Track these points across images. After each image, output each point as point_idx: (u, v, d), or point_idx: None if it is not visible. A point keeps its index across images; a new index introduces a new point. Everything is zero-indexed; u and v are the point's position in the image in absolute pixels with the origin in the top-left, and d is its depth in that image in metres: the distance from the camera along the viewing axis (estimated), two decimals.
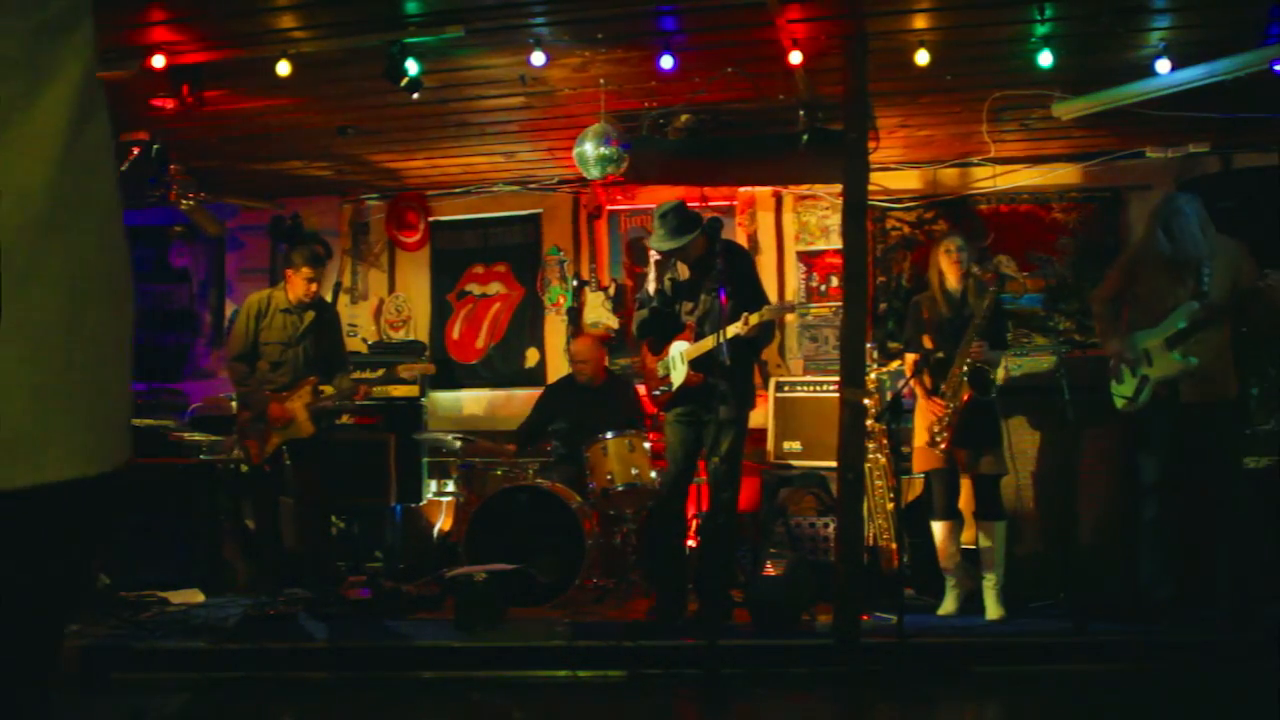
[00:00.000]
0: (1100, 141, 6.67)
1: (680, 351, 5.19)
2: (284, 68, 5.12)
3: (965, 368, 5.09)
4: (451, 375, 7.78)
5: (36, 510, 0.96)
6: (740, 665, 4.56)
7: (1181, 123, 5.97)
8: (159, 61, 5.15)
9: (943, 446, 5.18)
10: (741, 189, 7.39)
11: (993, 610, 5.14)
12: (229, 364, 5.93)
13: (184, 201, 7.03)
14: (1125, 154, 6.82)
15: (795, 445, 6.41)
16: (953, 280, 5.30)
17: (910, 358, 5.43)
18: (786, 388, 6.58)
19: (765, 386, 6.65)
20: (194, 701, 4.52)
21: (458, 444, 6.63)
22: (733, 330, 4.79)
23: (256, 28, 5.09)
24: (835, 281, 7.23)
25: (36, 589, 1.00)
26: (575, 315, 7.53)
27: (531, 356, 7.73)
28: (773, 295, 7.19)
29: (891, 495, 5.79)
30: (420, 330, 7.86)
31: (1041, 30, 4.87)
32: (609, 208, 7.61)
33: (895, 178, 7.24)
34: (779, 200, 7.44)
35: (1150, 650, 4.62)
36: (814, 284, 7.38)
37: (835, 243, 7.15)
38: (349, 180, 7.64)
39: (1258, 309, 4.83)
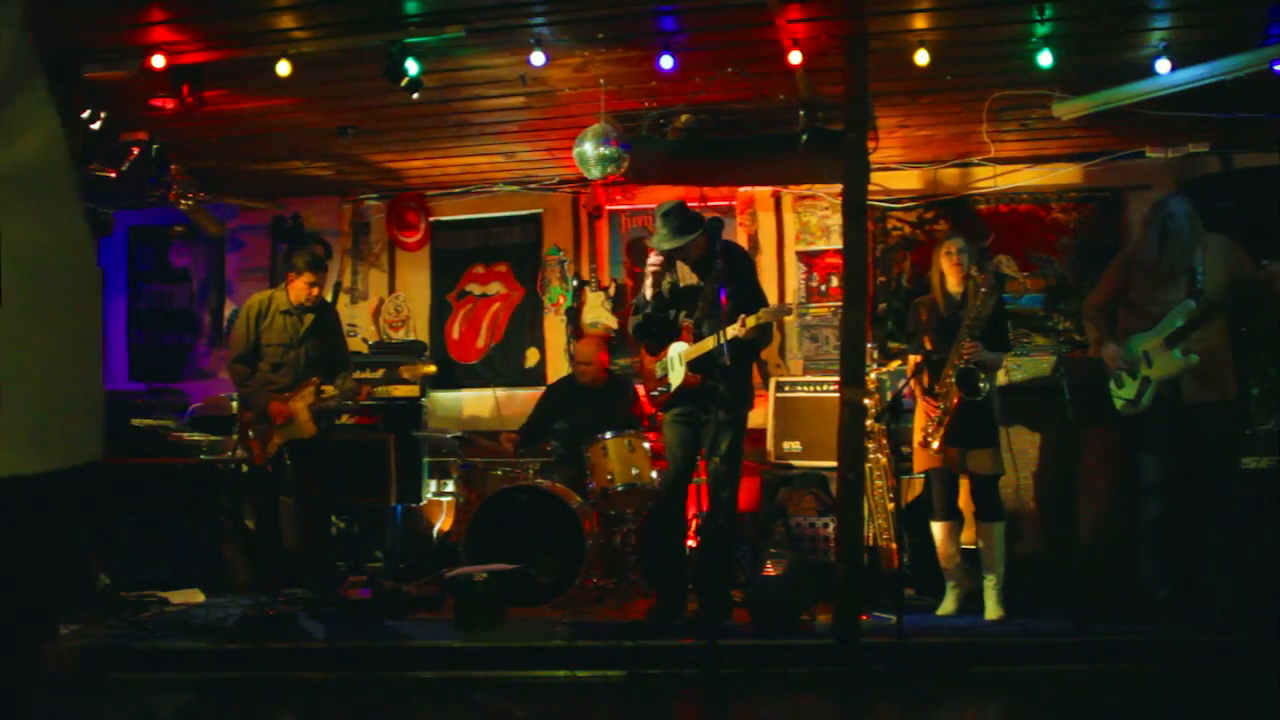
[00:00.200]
0: (1100, 141, 6.67)
1: (679, 352, 5.20)
2: (284, 68, 5.12)
3: (955, 368, 5.10)
4: (451, 375, 7.78)
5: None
6: (740, 665, 4.56)
7: (1181, 123, 5.97)
8: (159, 61, 5.15)
9: (934, 445, 5.19)
10: (741, 189, 7.39)
11: (992, 610, 5.14)
12: (230, 365, 5.93)
13: (184, 201, 7.03)
14: (1125, 154, 6.82)
15: (795, 445, 6.41)
16: (953, 282, 5.30)
17: (913, 359, 5.43)
18: (786, 388, 6.58)
19: (765, 386, 6.65)
20: (196, 702, 4.52)
21: (458, 444, 6.63)
22: (731, 332, 4.79)
23: (256, 28, 5.09)
24: (835, 281, 7.23)
25: (3, 585, 0.98)
26: (574, 315, 7.53)
27: (531, 356, 7.73)
28: (773, 295, 7.21)
29: (891, 495, 5.79)
30: (420, 330, 7.86)
31: (1041, 30, 4.87)
32: (609, 208, 7.61)
33: (895, 178, 7.24)
34: (779, 200, 7.44)
35: (1150, 650, 4.61)
36: (814, 284, 7.38)
37: (835, 243, 7.16)
38: (349, 180, 7.64)
39: (1260, 300, 4.82)
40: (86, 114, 5.42)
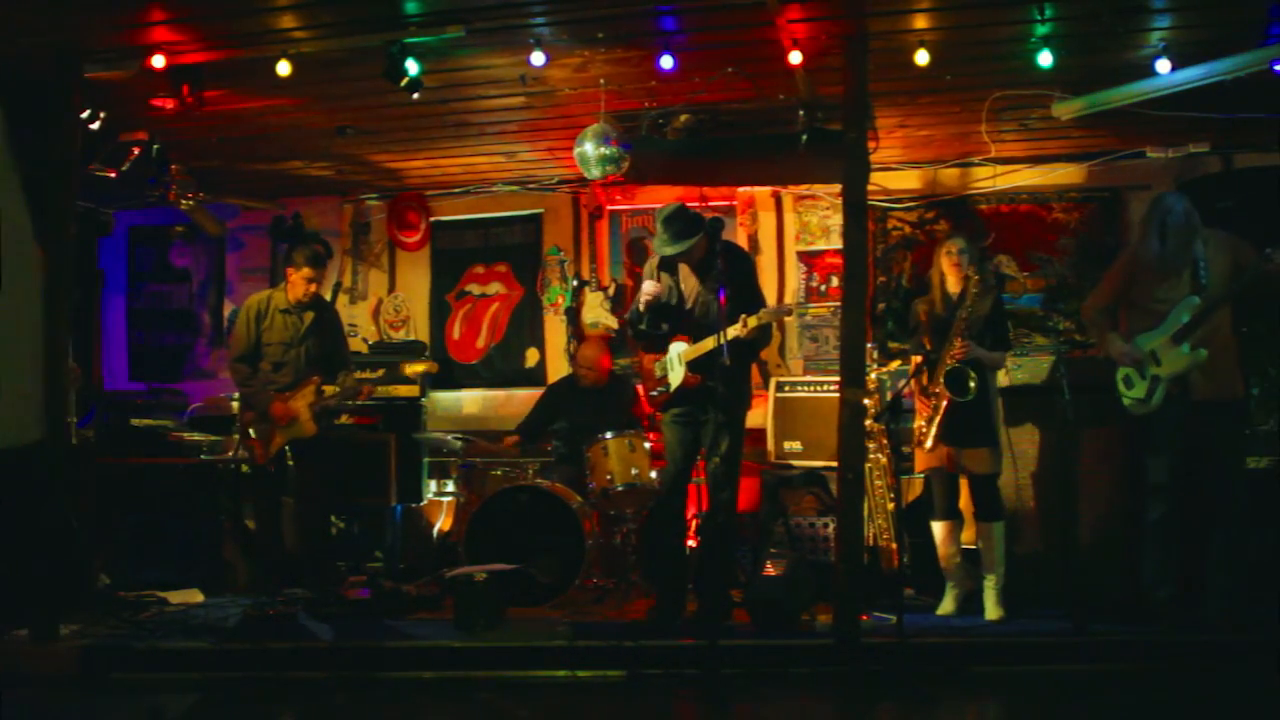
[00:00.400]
0: (1100, 141, 6.67)
1: (678, 353, 5.20)
2: (284, 68, 5.12)
3: (946, 368, 5.11)
4: (451, 375, 7.78)
5: None
6: (740, 665, 4.57)
7: (1181, 123, 5.96)
8: (159, 61, 5.15)
9: (927, 445, 5.20)
10: (741, 189, 7.40)
11: (992, 610, 5.15)
12: (231, 365, 5.94)
13: (184, 201, 7.04)
14: (1125, 154, 6.82)
15: (795, 445, 6.41)
16: (952, 281, 5.31)
17: (915, 359, 5.44)
18: (786, 388, 6.58)
19: (765, 386, 6.65)
20: (196, 702, 4.51)
21: (458, 444, 6.63)
22: (732, 332, 4.79)
23: (256, 28, 5.09)
24: (835, 281, 7.23)
25: None
26: (574, 315, 7.53)
27: (531, 356, 7.74)
28: (772, 295, 7.21)
29: (891, 495, 5.80)
30: (420, 330, 7.86)
31: (1041, 30, 4.86)
32: (609, 208, 7.61)
33: (895, 178, 7.24)
34: (779, 200, 7.44)
35: (1150, 650, 4.62)
36: (814, 284, 7.38)
37: (836, 243, 7.16)
38: (349, 180, 7.64)
39: (1266, 289, 4.81)
40: (86, 114, 5.42)
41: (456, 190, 7.79)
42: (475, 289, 7.87)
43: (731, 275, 4.89)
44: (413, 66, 5.10)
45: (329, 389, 5.79)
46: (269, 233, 7.99)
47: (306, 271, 5.79)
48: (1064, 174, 6.98)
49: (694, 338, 5.15)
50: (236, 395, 6.40)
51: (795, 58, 5.07)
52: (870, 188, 5.24)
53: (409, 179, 7.63)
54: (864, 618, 4.93)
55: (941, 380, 5.13)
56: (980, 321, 5.21)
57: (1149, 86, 5.35)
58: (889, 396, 5.70)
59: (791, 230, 7.43)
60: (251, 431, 5.80)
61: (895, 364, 6.11)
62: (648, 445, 6.01)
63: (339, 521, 6.65)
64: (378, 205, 7.96)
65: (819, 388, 6.48)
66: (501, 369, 7.77)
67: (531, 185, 7.68)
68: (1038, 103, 5.86)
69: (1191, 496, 4.95)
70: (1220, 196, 5.73)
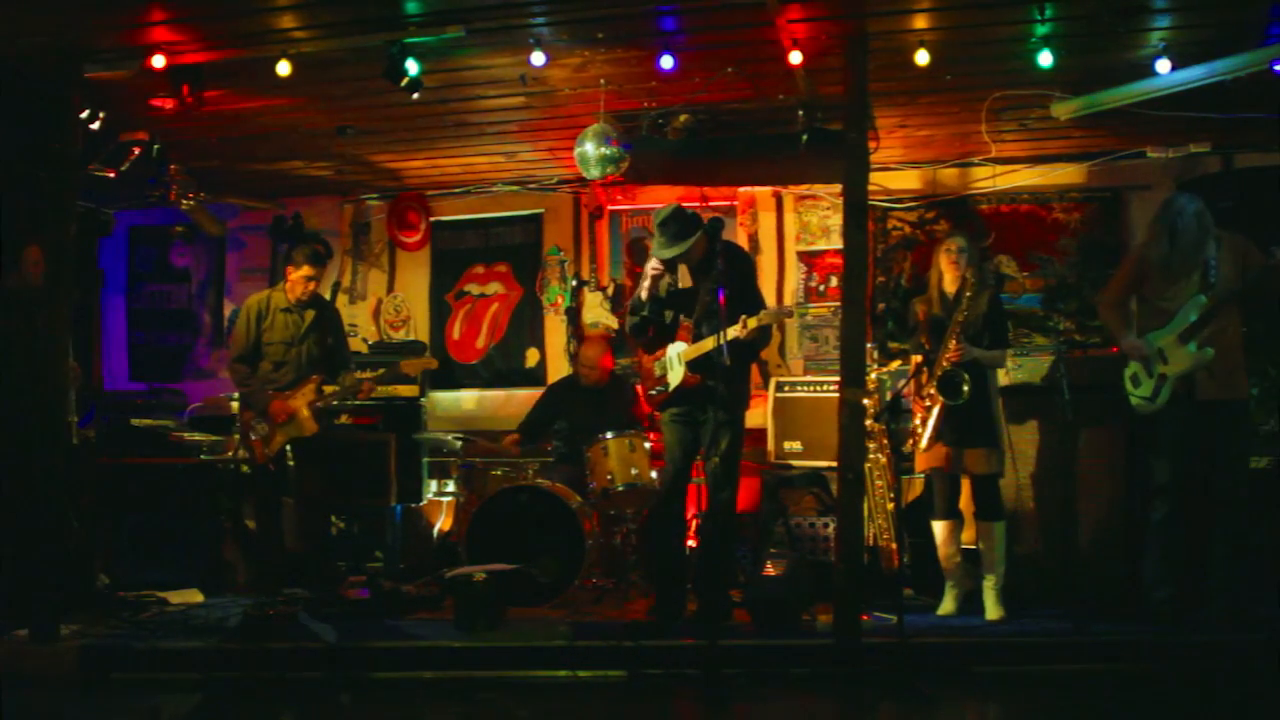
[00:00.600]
0: (1100, 141, 6.67)
1: (678, 352, 5.20)
2: (284, 68, 5.12)
3: (940, 370, 5.11)
4: (451, 375, 7.78)
5: None
6: (740, 665, 4.57)
7: (1181, 123, 5.96)
8: (159, 61, 5.15)
9: (921, 446, 5.20)
10: (742, 189, 7.40)
11: (993, 610, 5.15)
12: (230, 365, 5.94)
13: (184, 201, 7.04)
14: (1125, 154, 6.82)
15: (795, 445, 6.41)
16: (949, 280, 5.32)
17: (915, 359, 5.44)
18: (786, 388, 6.58)
19: (765, 386, 6.65)
20: (196, 702, 4.52)
21: (458, 444, 6.63)
22: (732, 333, 4.79)
23: (256, 28, 5.09)
24: (835, 281, 7.23)
25: None
26: (574, 315, 7.53)
27: (532, 356, 7.73)
28: (772, 295, 7.22)
29: (891, 495, 5.80)
30: (420, 330, 7.86)
31: (1041, 30, 4.86)
32: (610, 208, 7.61)
33: (895, 178, 7.24)
34: (780, 200, 7.44)
35: (1150, 650, 4.62)
36: (813, 284, 7.38)
37: (836, 243, 7.15)
38: (350, 180, 7.64)
39: (1271, 288, 4.82)
40: (86, 114, 5.42)
41: (457, 190, 7.79)
42: (475, 289, 7.87)
43: (731, 275, 4.89)
44: (413, 66, 5.10)
45: (329, 388, 5.79)
46: (269, 233, 7.99)
47: (306, 270, 5.80)
48: (1064, 174, 6.98)
49: (693, 337, 5.15)
50: (236, 395, 6.40)
51: (795, 58, 5.07)
52: (870, 188, 5.24)
53: (409, 179, 7.63)
54: (864, 618, 4.93)
55: (933, 384, 5.14)
56: (978, 321, 5.21)
57: (1149, 86, 5.35)
58: (889, 396, 5.70)
59: (791, 230, 7.43)
60: (251, 431, 5.80)
61: (895, 364, 6.11)
62: (648, 445, 6.01)
63: (339, 521, 6.65)
64: (378, 205, 7.96)
65: (819, 388, 6.48)
66: (501, 369, 7.77)
67: (532, 185, 7.68)
68: (1038, 103, 5.85)
69: (1194, 497, 4.95)
70: (1220, 196, 5.72)
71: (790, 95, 5.75)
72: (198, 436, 6.68)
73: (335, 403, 5.98)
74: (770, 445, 6.48)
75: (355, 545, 6.64)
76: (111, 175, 6.28)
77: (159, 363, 8.21)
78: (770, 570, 5.13)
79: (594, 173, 5.96)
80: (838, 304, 6.67)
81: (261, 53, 5.16)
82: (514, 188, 7.71)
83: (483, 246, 7.86)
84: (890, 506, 5.82)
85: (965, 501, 5.35)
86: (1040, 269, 7.01)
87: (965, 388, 5.05)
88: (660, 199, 6.95)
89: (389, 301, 7.93)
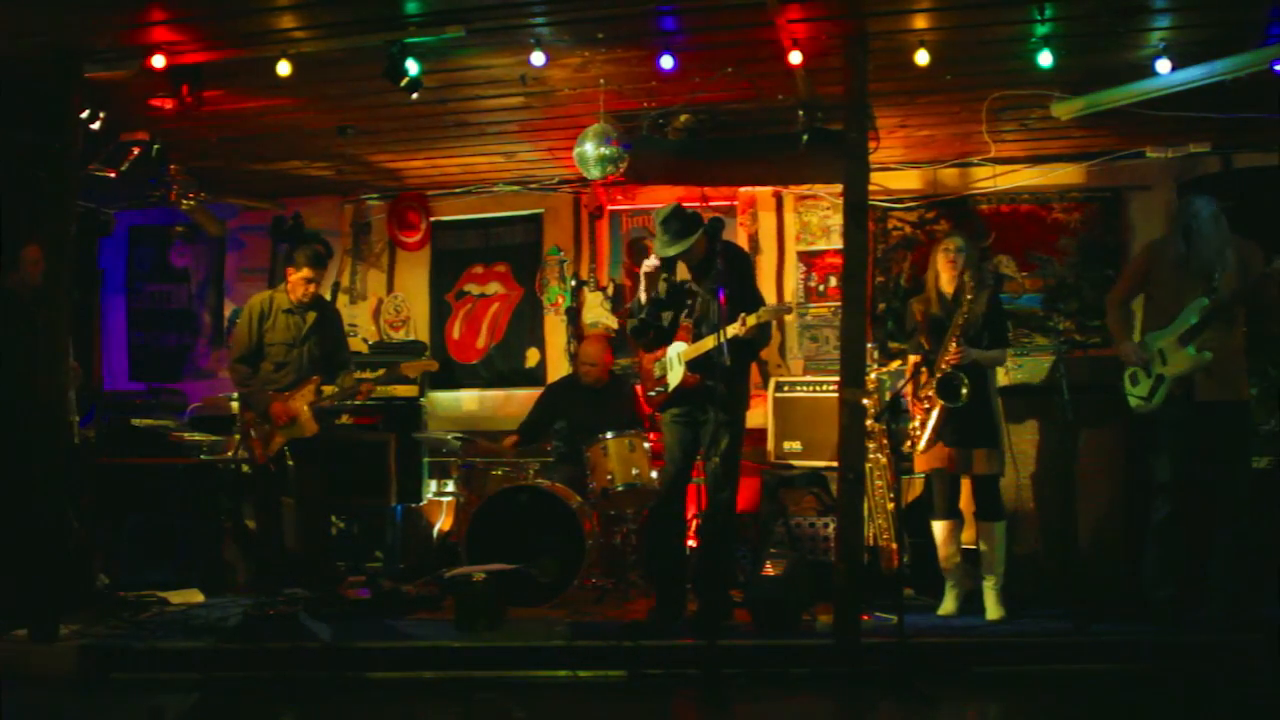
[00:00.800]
0: (1100, 141, 6.67)
1: (677, 352, 5.20)
2: (284, 68, 5.12)
3: (939, 372, 5.11)
4: (451, 375, 7.78)
5: None
6: (740, 665, 4.57)
7: (1181, 123, 5.96)
8: (159, 61, 5.15)
9: (920, 448, 5.20)
10: (742, 189, 7.40)
11: (993, 610, 5.15)
12: (231, 365, 5.94)
13: (184, 201, 7.04)
14: (1125, 154, 6.82)
15: (795, 445, 6.41)
16: (946, 280, 5.32)
17: (913, 359, 5.44)
18: (786, 388, 6.58)
19: (765, 386, 6.65)
20: (196, 702, 4.52)
21: (458, 444, 6.63)
22: (731, 331, 4.79)
23: (256, 28, 5.09)
24: (834, 281, 7.23)
25: None
26: (574, 315, 7.53)
27: (532, 356, 7.73)
28: (772, 295, 7.21)
29: (891, 495, 5.80)
30: (420, 330, 7.86)
31: (1041, 30, 4.86)
32: (610, 208, 7.61)
33: (895, 178, 7.24)
34: (780, 200, 7.44)
35: (1150, 650, 4.62)
36: (813, 284, 7.38)
37: (836, 243, 7.15)
38: (350, 180, 7.64)
39: (1269, 295, 4.82)
40: (86, 114, 5.42)
41: (457, 190, 7.79)
42: (474, 289, 7.87)
43: (731, 275, 4.89)
44: (413, 66, 5.10)
45: (328, 389, 5.80)
46: (269, 233, 7.99)
47: (307, 272, 5.80)
48: (1064, 174, 6.98)
49: (692, 337, 5.15)
50: (236, 395, 6.40)
51: (795, 58, 5.07)
52: (870, 188, 5.24)
53: (409, 179, 7.63)
54: (864, 618, 4.93)
55: (932, 386, 5.14)
56: (978, 321, 5.21)
57: (1149, 86, 5.35)
58: (889, 396, 5.70)
59: (792, 230, 7.43)
60: (252, 431, 5.80)
61: (895, 364, 6.11)
62: (648, 445, 6.01)
63: (339, 521, 6.65)
64: (378, 205, 7.96)
65: (819, 388, 6.48)
66: (501, 369, 7.77)
67: (532, 185, 7.68)
68: (1038, 103, 5.85)
69: (1195, 497, 4.95)
70: (1220, 197, 5.72)
71: (790, 95, 5.75)
72: (198, 436, 6.68)
73: (334, 404, 5.97)
74: (770, 445, 6.48)
75: (355, 545, 6.65)
76: (111, 175, 6.28)
77: (159, 363, 8.21)
78: (770, 570, 5.13)
79: (594, 173, 5.96)
80: (838, 304, 6.67)
81: (261, 53, 5.16)
82: (514, 188, 7.71)
83: (483, 246, 7.86)
84: (890, 506, 5.82)
85: (965, 501, 5.35)
86: (1040, 269, 7.01)
87: (964, 390, 5.06)
88: (660, 199, 6.95)
89: (389, 301, 7.93)
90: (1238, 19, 4.96)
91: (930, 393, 5.17)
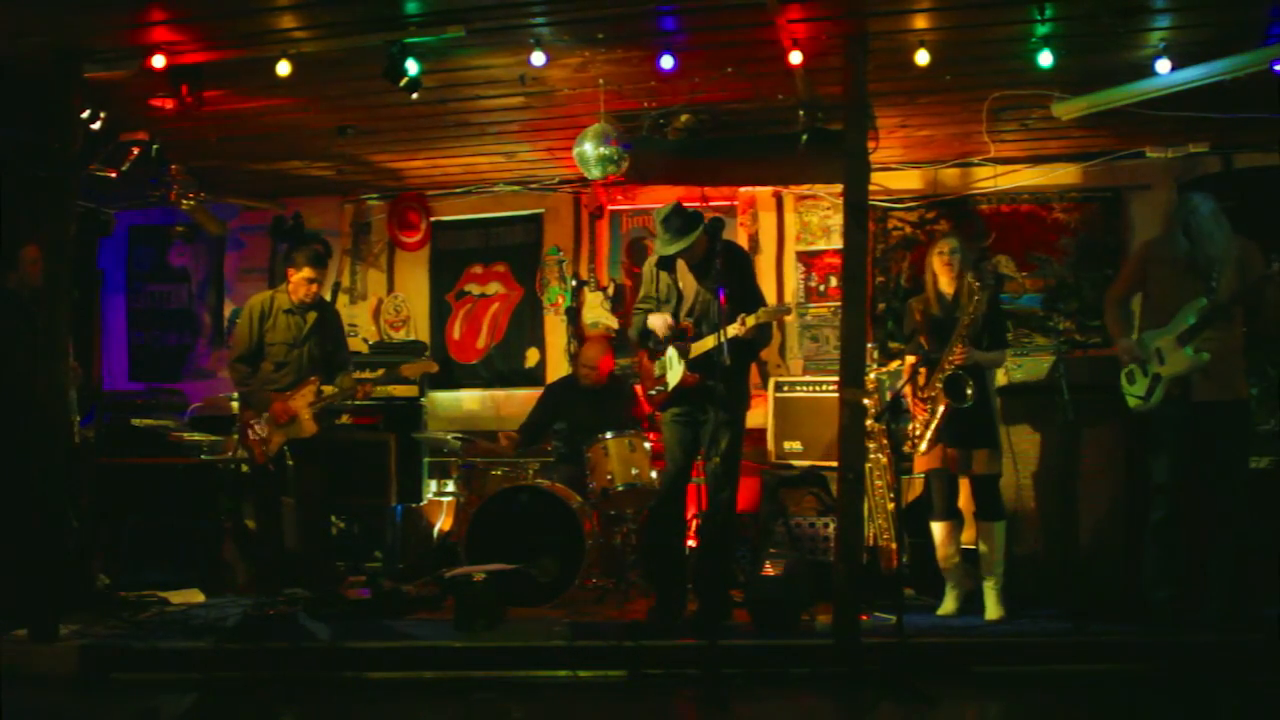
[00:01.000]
0: (1100, 141, 6.67)
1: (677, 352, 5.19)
2: (284, 68, 5.12)
3: (944, 373, 5.10)
4: (451, 375, 7.78)
5: None
6: (740, 665, 4.56)
7: (1181, 123, 5.96)
8: (159, 61, 5.15)
9: (921, 448, 5.20)
10: (742, 189, 7.40)
11: (993, 610, 5.15)
12: (231, 365, 5.94)
13: (184, 201, 7.04)
14: (1125, 154, 6.82)
15: (795, 445, 6.41)
16: (944, 281, 5.31)
17: (910, 360, 5.43)
18: (786, 388, 6.58)
19: (765, 386, 6.65)
20: (196, 702, 4.51)
21: (458, 444, 6.63)
22: (731, 331, 4.79)
23: (256, 28, 5.09)
24: (834, 281, 7.24)
25: None
26: (574, 315, 7.53)
27: (532, 356, 7.74)
28: (772, 295, 7.21)
29: (891, 495, 5.80)
30: (420, 330, 7.86)
31: (1041, 30, 4.86)
32: (610, 208, 7.61)
33: (895, 178, 7.24)
34: (779, 200, 7.44)
35: (1150, 650, 4.62)
36: (813, 284, 7.38)
37: (836, 243, 7.15)
38: (350, 180, 7.64)
39: (1268, 297, 4.82)
40: (86, 114, 5.42)
41: (457, 190, 7.79)
42: (474, 289, 7.87)
43: (730, 274, 4.89)
44: (413, 66, 5.10)
45: (327, 389, 5.80)
46: (269, 233, 7.99)
47: (307, 272, 5.80)
48: (1064, 174, 6.98)
49: (693, 337, 5.15)
50: (236, 395, 6.40)
51: (795, 58, 5.07)
52: (870, 188, 5.24)
53: (409, 179, 7.63)
54: (864, 618, 4.93)
55: (939, 385, 5.13)
56: (978, 322, 5.21)
57: (1149, 86, 5.35)
58: (889, 396, 5.70)
59: (792, 230, 7.43)
60: (251, 431, 5.80)
61: (895, 364, 6.11)
62: (648, 445, 6.01)
63: (339, 521, 6.64)
64: (378, 205, 7.96)
65: (819, 388, 6.48)
66: (501, 369, 7.77)
67: (532, 185, 7.68)
68: (1038, 103, 5.85)
69: (1194, 497, 4.95)
70: (1220, 197, 5.72)
71: (790, 95, 5.75)
72: (198, 436, 6.68)
73: (334, 404, 5.97)
74: (770, 445, 6.48)
75: (355, 545, 6.64)
76: (112, 175, 6.28)
77: (159, 363, 8.21)
78: (770, 570, 5.13)
79: (594, 173, 5.96)
80: (838, 304, 6.67)
81: (261, 53, 5.16)
82: (514, 188, 7.71)
83: (483, 246, 7.87)
84: (890, 506, 5.82)
85: (965, 501, 5.35)
86: (1040, 269, 7.02)
87: (969, 390, 5.06)
88: (660, 199, 6.94)
89: (389, 301, 7.93)
90: (1238, 19, 4.95)
91: (931, 393, 5.17)
